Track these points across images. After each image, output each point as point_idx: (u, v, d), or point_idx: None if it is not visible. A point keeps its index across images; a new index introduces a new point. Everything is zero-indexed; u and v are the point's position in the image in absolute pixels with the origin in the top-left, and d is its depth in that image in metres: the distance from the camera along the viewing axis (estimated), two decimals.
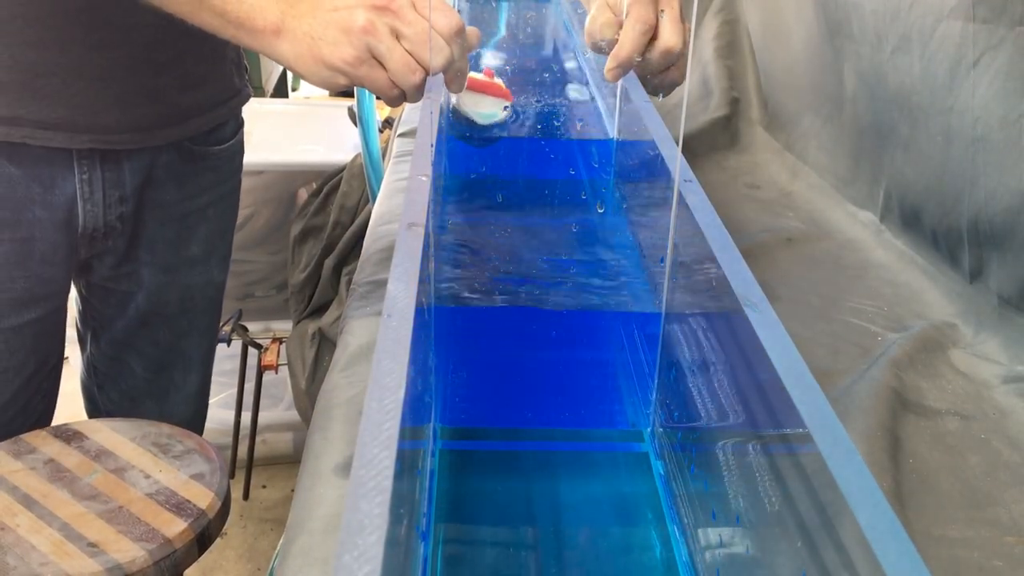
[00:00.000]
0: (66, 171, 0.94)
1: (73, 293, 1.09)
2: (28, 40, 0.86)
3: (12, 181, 0.92)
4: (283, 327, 1.95)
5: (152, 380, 1.14)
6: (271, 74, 2.84)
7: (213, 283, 1.16)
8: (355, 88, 1.33)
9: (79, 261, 1.02)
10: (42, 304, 0.99)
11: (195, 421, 1.22)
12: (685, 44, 0.77)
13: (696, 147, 1.37)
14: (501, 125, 1.00)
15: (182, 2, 0.73)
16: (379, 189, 1.26)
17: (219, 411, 1.97)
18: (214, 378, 1.27)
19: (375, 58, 0.69)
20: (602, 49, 0.81)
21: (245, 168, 1.14)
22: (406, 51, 0.68)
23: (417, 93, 0.72)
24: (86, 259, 1.03)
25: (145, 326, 1.10)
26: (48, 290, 0.99)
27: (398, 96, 0.72)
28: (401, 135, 1.34)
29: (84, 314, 1.12)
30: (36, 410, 1.04)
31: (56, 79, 0.89)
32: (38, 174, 0.92)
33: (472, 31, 0.75)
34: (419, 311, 0.48)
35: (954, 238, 0.95)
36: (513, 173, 0.98)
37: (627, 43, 0.76)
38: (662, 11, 0.76)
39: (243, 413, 1.91)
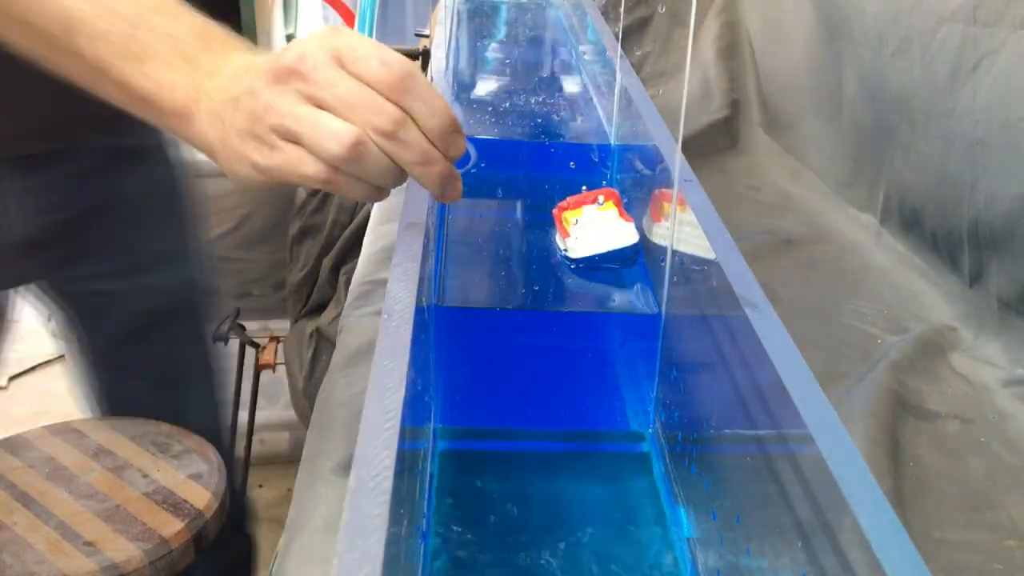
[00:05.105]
0: None
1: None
2: None
3: None
4: (281, 326, 1.95)
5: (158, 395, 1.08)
6: None
7: (193, 285, 1.04)
8: None
9: (32, 273, 0.95)
10: None
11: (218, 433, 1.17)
12: None
13: (696, 149, 1.37)
14: None
15: (79, 70, 0.55)
16: None
17: None
18: None
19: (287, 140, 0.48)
20: None
21: None
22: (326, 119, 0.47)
23: (376, 181, 0.48)
24: (41, 270, 0.96)
25: (133, 339, 1.02)
26: None
27: (356, 188, 0.49)
28: None
29: (71, 321, 1.05)
30: None
31: None
32: None
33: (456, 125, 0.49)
34: (419, 311, 0.48)
35: (954, 241, 0.95)
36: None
37: None
38: None
39: (240, 412, 1.90)
